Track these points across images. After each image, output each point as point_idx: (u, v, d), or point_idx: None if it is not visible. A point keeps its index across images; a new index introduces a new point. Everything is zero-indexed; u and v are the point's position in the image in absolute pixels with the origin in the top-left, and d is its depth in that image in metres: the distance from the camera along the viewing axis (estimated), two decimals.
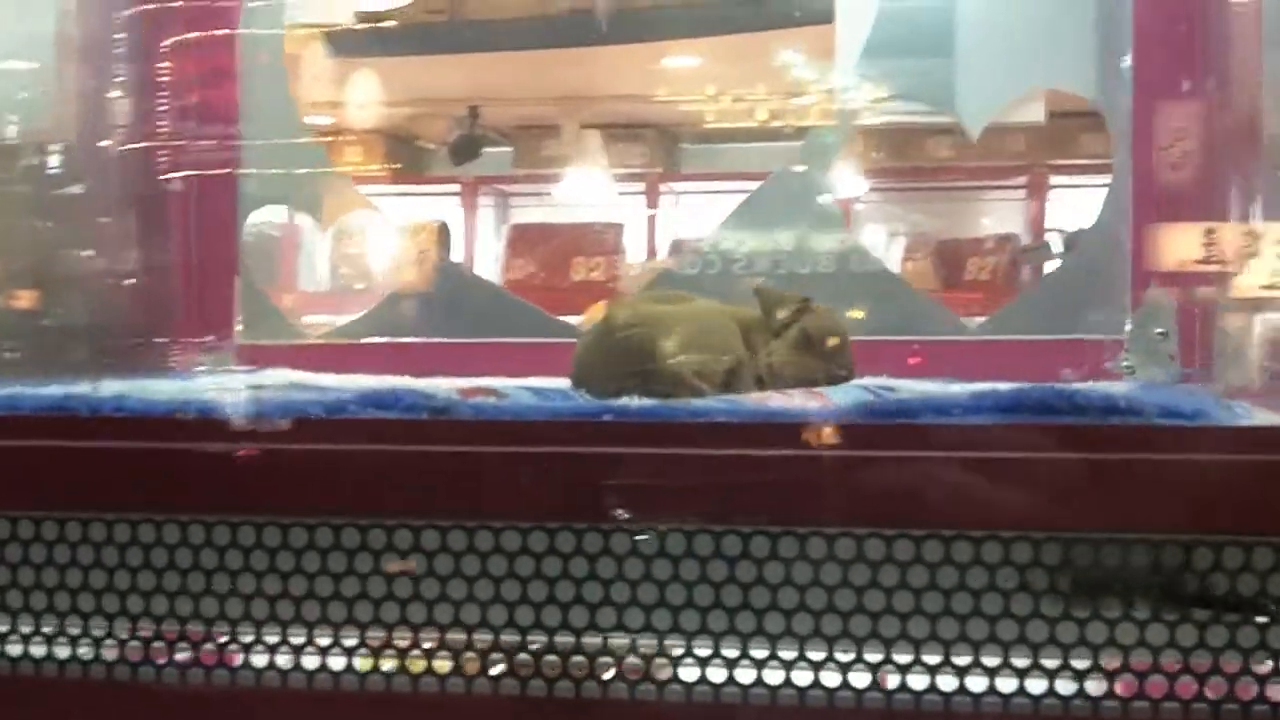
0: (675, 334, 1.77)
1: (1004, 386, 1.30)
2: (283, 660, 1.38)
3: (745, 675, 1.29)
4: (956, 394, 1.30)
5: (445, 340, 2.47)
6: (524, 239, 6.42)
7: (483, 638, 1.34)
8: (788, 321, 1.88)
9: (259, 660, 1.38)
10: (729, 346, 1.82)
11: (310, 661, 1.37)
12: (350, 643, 1.36)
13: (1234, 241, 2.54)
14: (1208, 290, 2.41)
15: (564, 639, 1.32)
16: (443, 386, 1.51)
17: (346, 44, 3.88)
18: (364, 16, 4.34)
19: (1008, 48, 2.23)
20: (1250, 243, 2.47)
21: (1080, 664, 1.26)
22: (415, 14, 5.65)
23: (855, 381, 1.87)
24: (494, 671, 1.33)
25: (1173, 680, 1.23)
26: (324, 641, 1.36)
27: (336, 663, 1.37)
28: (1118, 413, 1.26)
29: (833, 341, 1.87)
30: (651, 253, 6.38)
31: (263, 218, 2.53)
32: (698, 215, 6.65)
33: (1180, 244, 2.90)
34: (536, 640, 1.33)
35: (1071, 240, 5.89)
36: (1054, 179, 6.09)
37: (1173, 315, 2.17)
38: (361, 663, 1.37)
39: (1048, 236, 5.98)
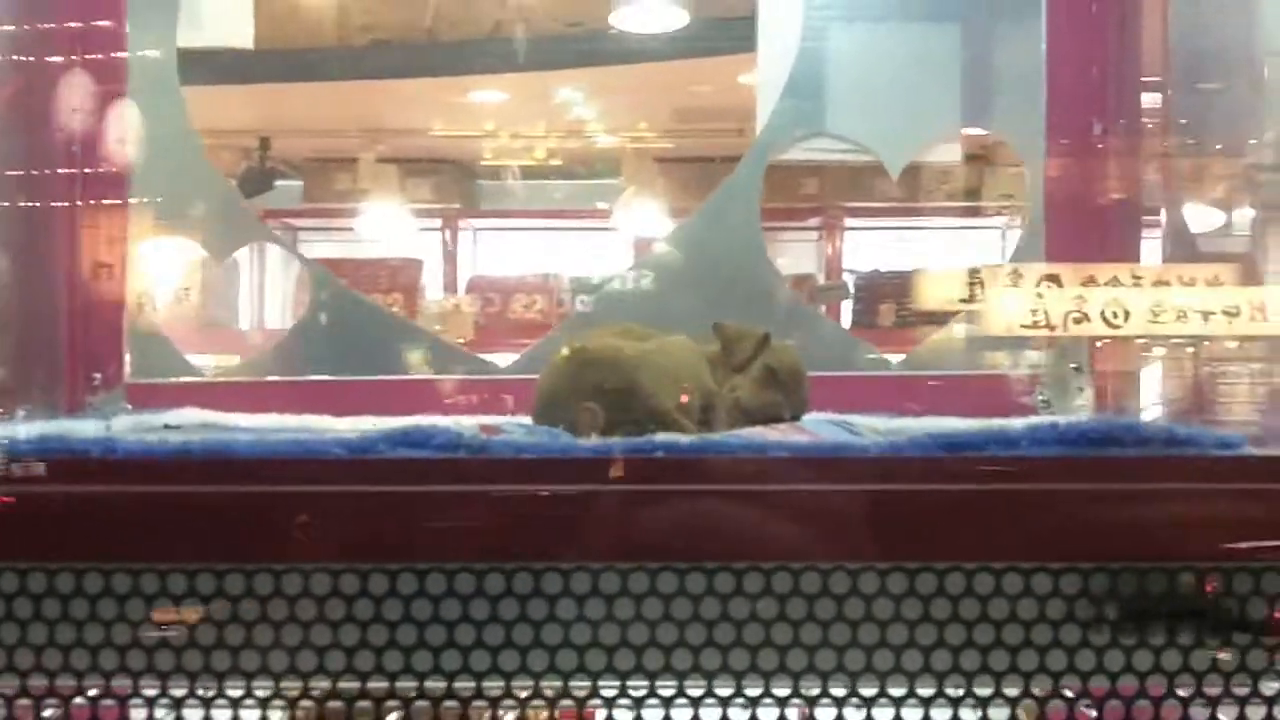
0: (654, 371, 1.75)
1: (1062, 419, 1.32)
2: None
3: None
4: (1017, 426, 1.32)
5: (356, 378, 2.38)
6: None
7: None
8: (751, 356, 1.88)
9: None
10: (703, 383, 1.81)
11: (138, 715, 1.30)
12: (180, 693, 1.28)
13: (997, 281, 2.63)
14: None
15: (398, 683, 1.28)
16: (466, 424, 1.46)
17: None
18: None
19: (926, 88, 2.29)
20: (1014, 281, 2.57)
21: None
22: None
23: (811, 416, 1.88)
24: None
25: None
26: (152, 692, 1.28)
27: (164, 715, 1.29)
28: (1178, 444, 1.29)
29: (796, 375, 1.88)
30: (450, 289, 6.30)
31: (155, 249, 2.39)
32: (497, 251, 6.64)
33: (945, 285, 3.01)
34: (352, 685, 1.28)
35: (865, 279, 6.11)
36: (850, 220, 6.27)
37: (1086, 349, 2.24)
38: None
39: (844, 275, 6.16)
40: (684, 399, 1.72)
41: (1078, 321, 2.29)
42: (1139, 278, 2.28)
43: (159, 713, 1.30)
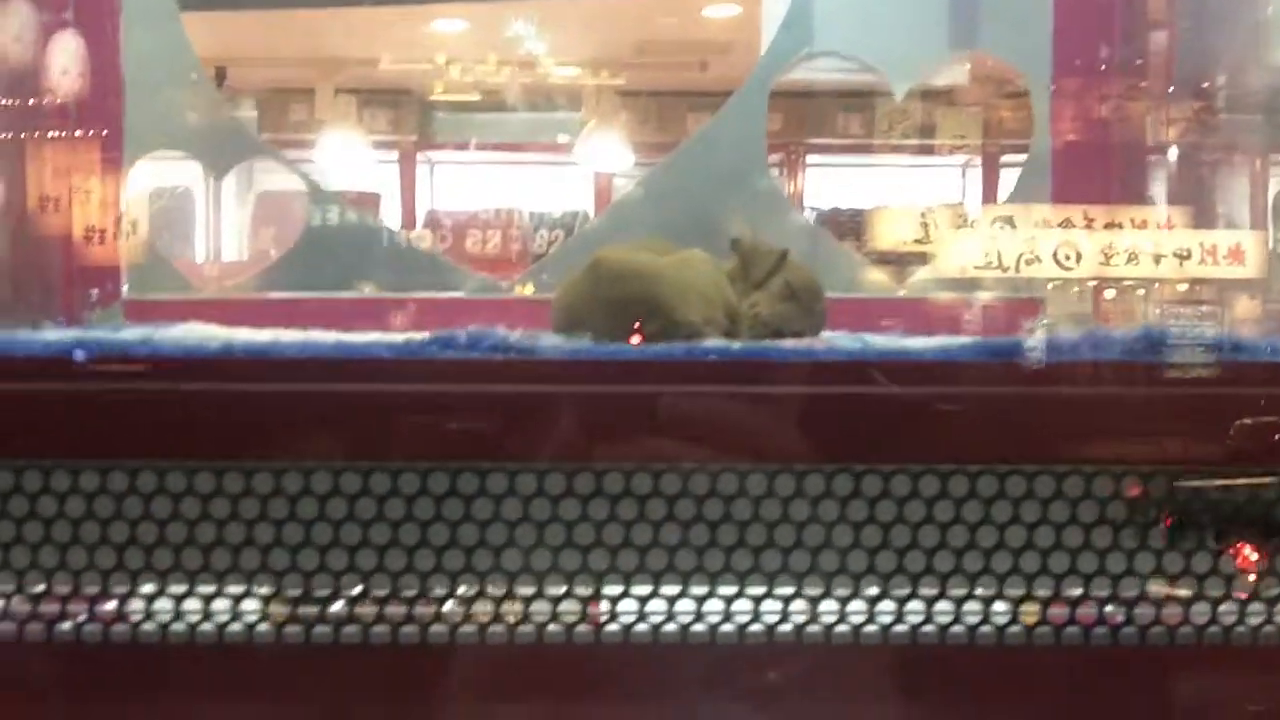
0: (678, 285, 1.73)
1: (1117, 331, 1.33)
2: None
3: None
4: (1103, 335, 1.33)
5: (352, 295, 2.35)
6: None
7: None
8: (770, 273, 1.88)
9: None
10: (724, 297, 1.80)
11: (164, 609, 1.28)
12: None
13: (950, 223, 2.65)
14: None
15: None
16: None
17: None
18: None
19: (935, 12, 2.28)
20: (963, 223, 2.58)
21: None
22: None
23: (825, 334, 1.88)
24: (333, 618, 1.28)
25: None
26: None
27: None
28: (1232, 351, 1.30)
29: (813, 293, 1.88)
30: (408, 223, 6.23)
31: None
32: (455, 185, 6.57)
33: (897, 226, 3.01)
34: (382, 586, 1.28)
35: (824, 216, 6.11)
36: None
37: None
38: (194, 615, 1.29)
39: (805, 211, 6.15)
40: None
41: (1029, 263, 2.31)
42: (1091, 220, 2.31)
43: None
